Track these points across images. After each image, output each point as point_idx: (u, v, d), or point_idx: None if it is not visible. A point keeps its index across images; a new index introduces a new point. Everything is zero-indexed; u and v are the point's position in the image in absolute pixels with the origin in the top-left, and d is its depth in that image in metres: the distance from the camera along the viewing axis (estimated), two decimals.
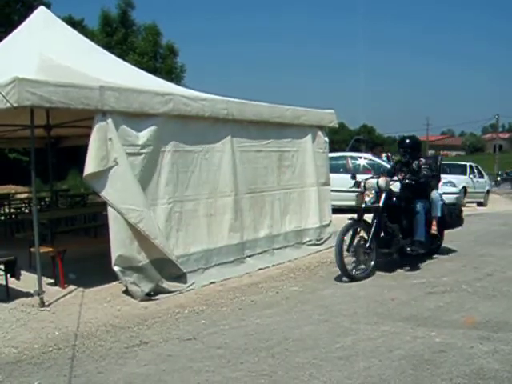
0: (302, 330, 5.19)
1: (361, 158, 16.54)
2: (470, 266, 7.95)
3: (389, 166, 16.29)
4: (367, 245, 7.28)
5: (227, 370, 4.26)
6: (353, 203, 15.94)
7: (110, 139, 6.16)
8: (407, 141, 8.43)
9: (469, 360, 4.31)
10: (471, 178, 19.93)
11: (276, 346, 4.77)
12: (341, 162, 15.94)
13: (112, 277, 6.46)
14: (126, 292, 6.47)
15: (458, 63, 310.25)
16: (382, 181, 7.53)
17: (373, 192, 7.57)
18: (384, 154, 20.89)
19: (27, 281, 6.61)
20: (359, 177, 8.21)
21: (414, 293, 6.52)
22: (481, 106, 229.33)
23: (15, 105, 5.45)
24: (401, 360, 4.36)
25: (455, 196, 16.09)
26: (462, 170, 20.45)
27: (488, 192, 21.70)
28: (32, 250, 6.66)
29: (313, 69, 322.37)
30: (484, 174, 22.33)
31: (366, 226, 7.44)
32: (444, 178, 16.77)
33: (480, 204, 20.29)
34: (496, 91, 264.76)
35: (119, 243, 6.26)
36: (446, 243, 9.13)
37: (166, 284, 6.64)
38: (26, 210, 12.76)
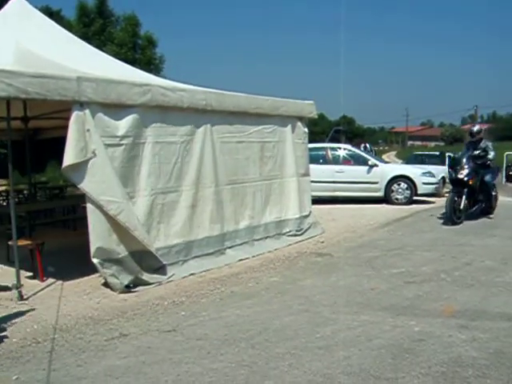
0: (282, 321, 5.20)
1: (340, 148, 16.56)
2: (449, 256, 8.03)
3: (368, 157, 16.43)
4: None
5: (207, 361, 4.26)
6: (334, 194, 15.99)
7: (88, 130, 6.08)
8: None
9: (447, 348, 4.37)
10: None
11: (256, 336, 4.78)
12: (320, 152, 15.97)
13: (91, 269, 6.41)
14: (106, 284, 6.43)
15: (438, 54, 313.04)
16: None
17: None
18: (362, 145, 20.97)
19: (5, 274, 6.56)
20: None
21: (393, 282, 6.58)
22: (460, 97, 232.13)
23: None
24: (380, 349, 4.40)
25: (434, 186, 16.25)
26: (440, 161, 20.61)
27: None
28: (10, 243, 6.59)
29: (293, 60, 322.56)
30: None
31: None
32: (423, 168, 16.97)
33: None
34: (475, 82, 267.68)
35: (98, 235, 6.20)
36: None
37: (146, 276, 6.60)
38: (4, 203, 12.61)
